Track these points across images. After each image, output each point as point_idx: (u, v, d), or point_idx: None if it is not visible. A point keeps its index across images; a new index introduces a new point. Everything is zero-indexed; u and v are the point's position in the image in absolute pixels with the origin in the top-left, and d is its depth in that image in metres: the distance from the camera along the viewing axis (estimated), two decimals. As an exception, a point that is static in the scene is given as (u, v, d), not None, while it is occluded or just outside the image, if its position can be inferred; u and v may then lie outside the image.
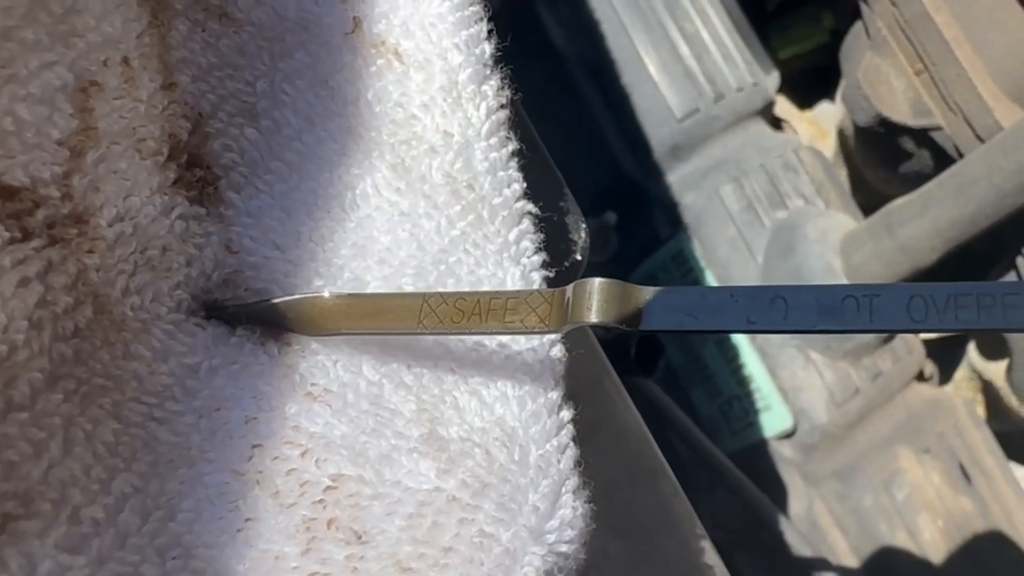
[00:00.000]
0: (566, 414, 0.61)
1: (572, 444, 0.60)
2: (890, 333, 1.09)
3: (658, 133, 1.81)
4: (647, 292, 0.54)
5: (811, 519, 1.68)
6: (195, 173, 0.63)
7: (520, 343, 0.63)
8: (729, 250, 1.75)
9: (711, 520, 0.85)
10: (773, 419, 1.69)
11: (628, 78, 1.82)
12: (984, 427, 1.76)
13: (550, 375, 0.62)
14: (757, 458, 1.71)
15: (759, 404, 1.70)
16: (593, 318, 0.55)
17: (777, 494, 1.69)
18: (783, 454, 1.70)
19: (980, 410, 1.82)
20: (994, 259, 1.66)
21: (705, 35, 1.83)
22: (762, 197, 1.76)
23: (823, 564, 1.63)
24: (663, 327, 0.54)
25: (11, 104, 0.56)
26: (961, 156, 1.55)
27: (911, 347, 1.73)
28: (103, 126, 0.59)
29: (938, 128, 1.60)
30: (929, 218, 1.52)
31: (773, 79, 1.90)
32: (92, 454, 0.54)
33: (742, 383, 1.72)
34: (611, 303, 0.54)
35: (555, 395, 0.62)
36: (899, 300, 0.48)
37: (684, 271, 1.78)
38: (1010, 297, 0.47)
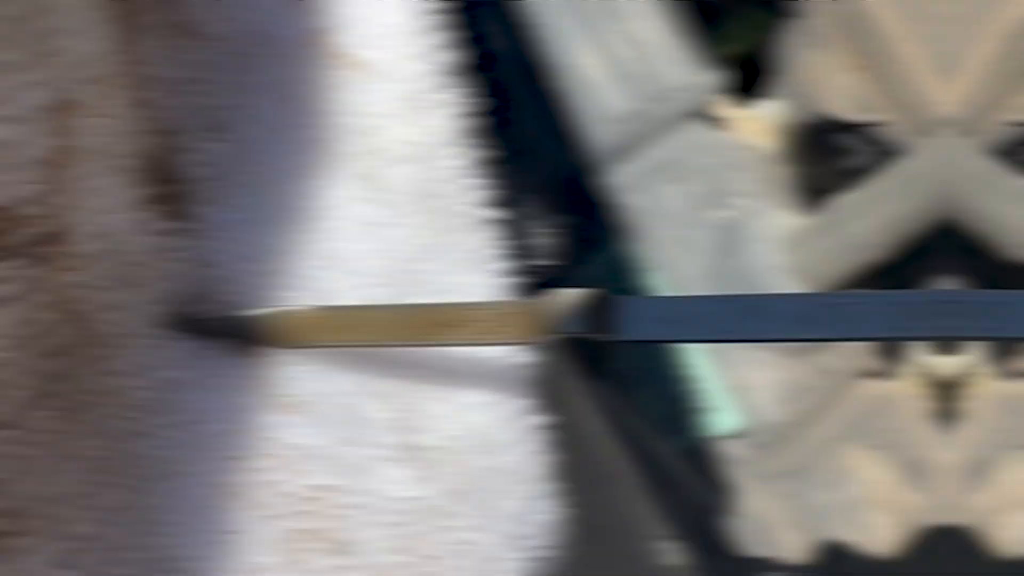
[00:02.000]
0: (536, 419, 0.62)
1: (543, 449, 0.61)
2: (871, 342, 1.10)
3: (598, 135, 1.81)
4: (623, 302, 0.54)
5: (763, 518, 1.69)
6: (166, 188, 0.63)
7: (489, 350, 0.63)
8: (674, 251, 1.76)
9: (663, 521, 0.86)
10: (723, 418, 1.70)
11: (567, 80, 1.82)
12: (934, 422, 1.77)
13: (519, 381, 0.63)
14: (708, 457, 1.72)
15: (709, 403, 1.71)
16: (569, 329, 0.55)
17: (728, 493, 1.70)
18: (734, 453, 1.71)
19: (929, 405, 1.83)
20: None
21: (644, 35, 1.84)
22: (705, 197, 1.77)
23: (776, 563, 1.65)
24: (641, 337, 0.54)
25: (-7, 126, 0.56)
26: (905, 151, 1.57)
27: (859, 343, 1.74)
28: (81, 144, 0.59)
29: (882, 124, 1.61)
30: (874, 215, 1.53)
31: (713, 78, 1.91)
32: (79, 470, 0.55)
33: (691, 382, 1.72)
34: (587, 314, 0.55)
35: (524, 401, 0.62)
36: (880, 308, 0.49)
37: (629, 274, 1.79)
38: (998, 306, 0.47)
